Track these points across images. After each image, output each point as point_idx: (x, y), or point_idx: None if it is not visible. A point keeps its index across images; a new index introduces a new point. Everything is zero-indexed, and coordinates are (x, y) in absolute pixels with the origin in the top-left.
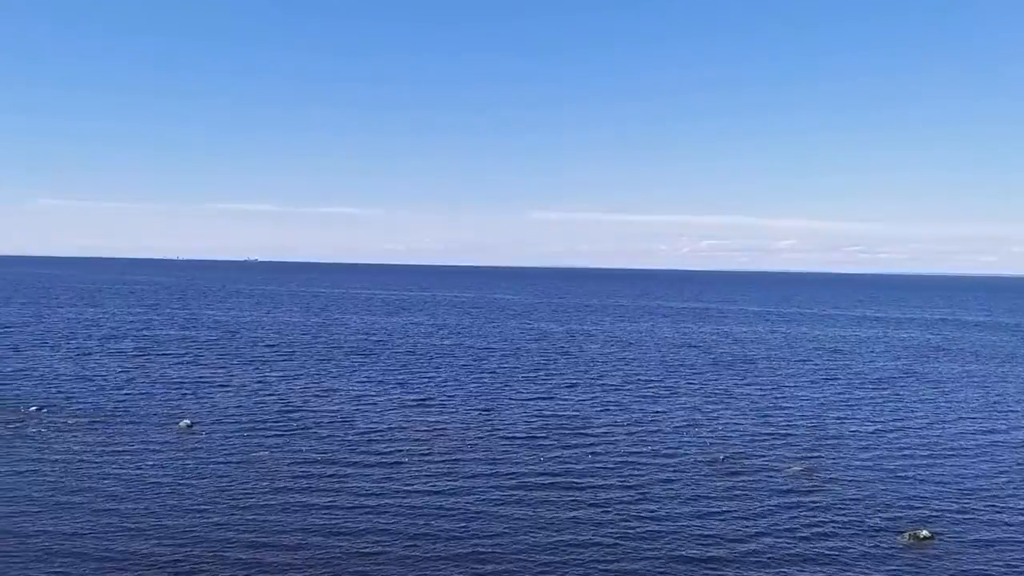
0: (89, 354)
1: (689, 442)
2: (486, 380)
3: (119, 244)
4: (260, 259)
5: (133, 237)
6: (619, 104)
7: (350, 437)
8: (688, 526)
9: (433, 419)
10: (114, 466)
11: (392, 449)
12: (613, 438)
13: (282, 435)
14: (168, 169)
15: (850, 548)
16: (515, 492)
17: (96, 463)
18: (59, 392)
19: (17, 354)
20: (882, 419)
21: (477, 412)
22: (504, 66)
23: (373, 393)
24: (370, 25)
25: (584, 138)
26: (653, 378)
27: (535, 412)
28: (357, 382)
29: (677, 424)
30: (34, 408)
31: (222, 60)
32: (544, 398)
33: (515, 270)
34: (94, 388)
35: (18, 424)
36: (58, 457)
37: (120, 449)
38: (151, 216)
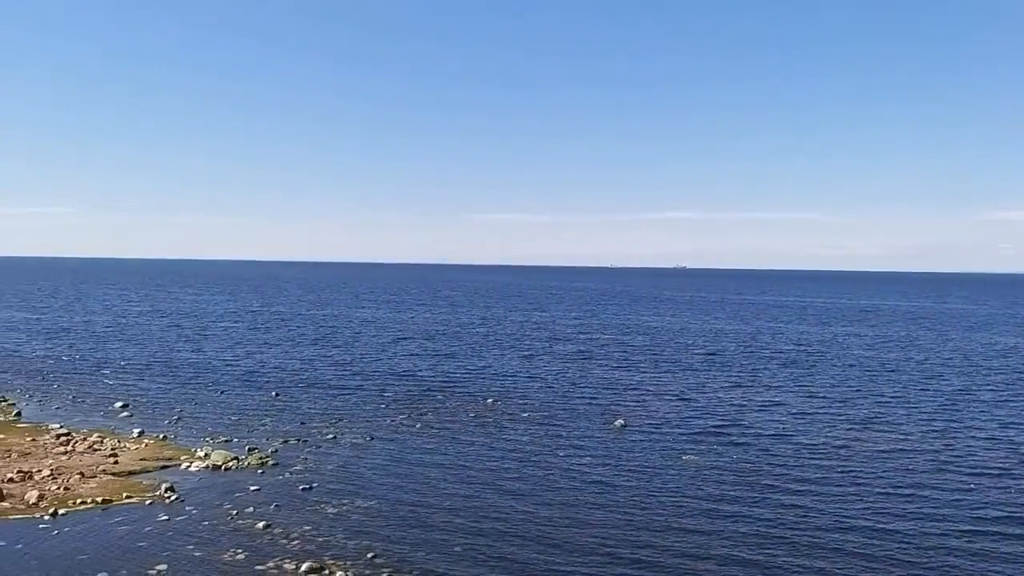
0: (535, 355)
1: None
2: (942, 400)
3: (564, 252)
4: (688, 266)
5: (572, 245)
6: None
7: (784, 453)
8: None
9: (879, 443)
10: (555, 458)
11: (830, 474)
12: None
13: (713, 444)
14: (596, 181)
15: None
16: (973, 540)
17: (540, 454)
18: (512, 387)
19: (476, 353)
20: None
21: (932, 437)
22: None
23: (812, 408)
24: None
25: None
26: None
27: (1007, 442)
28: (793, 395)
29: None
30: (490, 400)
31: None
32: (1020, 425)
33: (968, 276)
34: (540, 385)
35: (477, 414)
36: (509, 446)
37: (561, 442)
38: (588, 227)
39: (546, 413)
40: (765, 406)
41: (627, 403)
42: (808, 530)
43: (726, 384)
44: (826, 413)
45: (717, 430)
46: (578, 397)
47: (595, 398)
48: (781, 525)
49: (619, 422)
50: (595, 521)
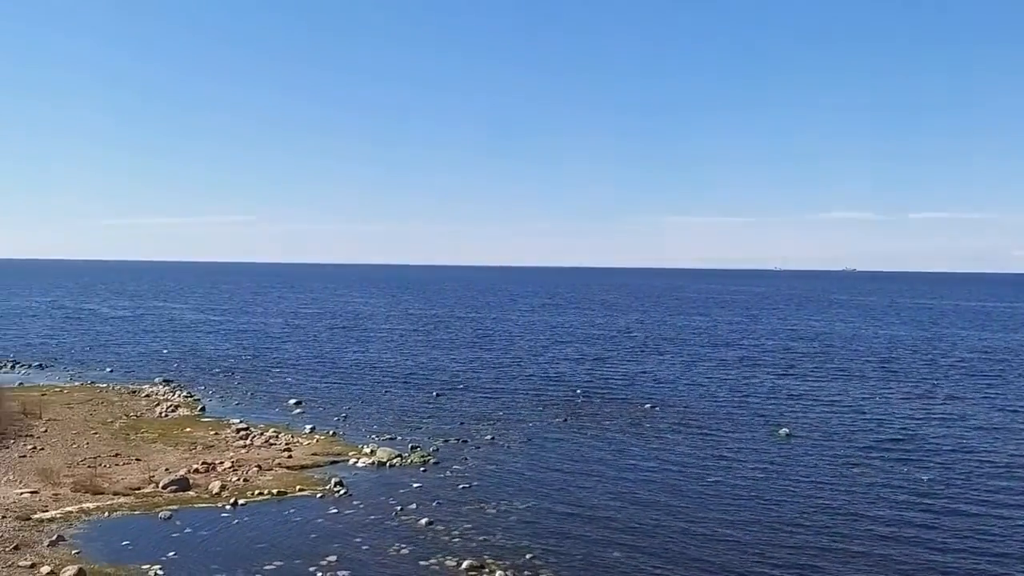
0: (695, 360)
1: None
2: None
3: (723, 255)
4: (858, 269)
5: (733, 248)
6: None
7: (966, 471)
8: None
9: None
10: (714, 469)
11: (1018, 496)
12: None
13: (886, 458)
14: (759, 184)
15: None
16: None
17: (699, 464)
18: (670, 393)
19: (634, 357)
20: None
21: None
22: None
23: (997, 422)
24: None
25: None
26: None
27: None
28: (976, 407)
29: None
30: (648, 406)
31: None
32: None
33: None
34: (700, 392)
35: (634, 420)
36: (666, 454)
37: (721, 452)
38: (748, 228)
39: (706, 421)
40: (944, 418)
41: (792, 412)
42: (993, 557)
43: (901, 394)
44: (1013, 427)
45: (891, 443)
46: (740, 405)
47: (758, 406)
48: (959, 552)
49: (784, 431)
50: (757, 540)
